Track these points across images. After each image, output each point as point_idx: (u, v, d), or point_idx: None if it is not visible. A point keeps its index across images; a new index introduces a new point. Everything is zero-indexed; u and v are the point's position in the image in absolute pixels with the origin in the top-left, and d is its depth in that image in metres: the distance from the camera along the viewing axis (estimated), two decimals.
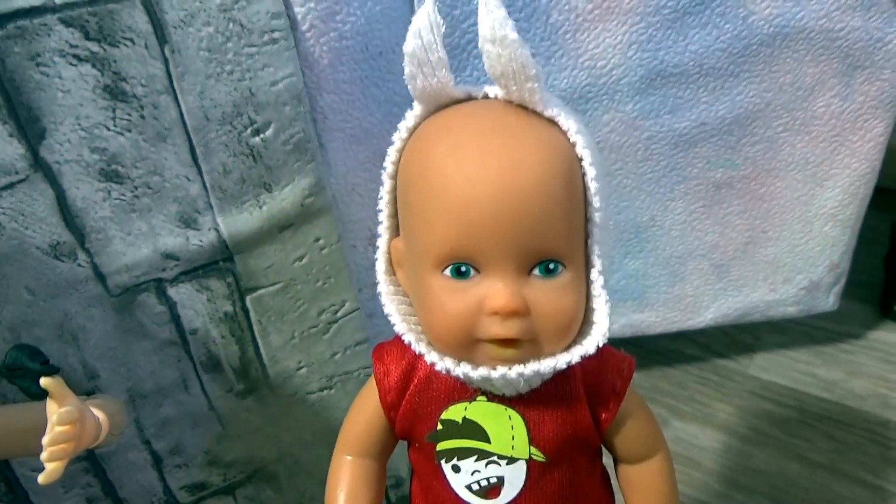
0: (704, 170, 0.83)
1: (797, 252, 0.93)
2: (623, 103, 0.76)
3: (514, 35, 0.38)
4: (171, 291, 0.62)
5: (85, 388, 0.62)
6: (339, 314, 0.71)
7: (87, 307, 0.59)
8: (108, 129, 0.55)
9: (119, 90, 0.54)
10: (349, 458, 0.51)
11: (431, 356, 0.43)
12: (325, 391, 0.74)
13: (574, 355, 0.42)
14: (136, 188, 0.57)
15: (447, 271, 0.41)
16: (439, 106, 0.44)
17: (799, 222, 0.90)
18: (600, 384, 0.47)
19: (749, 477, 0.93)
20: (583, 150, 0.41)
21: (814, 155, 0.84)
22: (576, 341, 0.43)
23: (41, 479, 0.41)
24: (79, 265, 0.58)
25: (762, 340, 1.15)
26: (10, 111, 0.51)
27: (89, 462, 0.65)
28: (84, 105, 0.53)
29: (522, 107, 0.42)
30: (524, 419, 0.45)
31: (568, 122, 0.41)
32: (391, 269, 0.47)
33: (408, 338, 0.44)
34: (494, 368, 0.41)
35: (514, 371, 0.41)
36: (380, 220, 0.47)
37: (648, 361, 1.13)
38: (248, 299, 0.66)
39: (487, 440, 0.45)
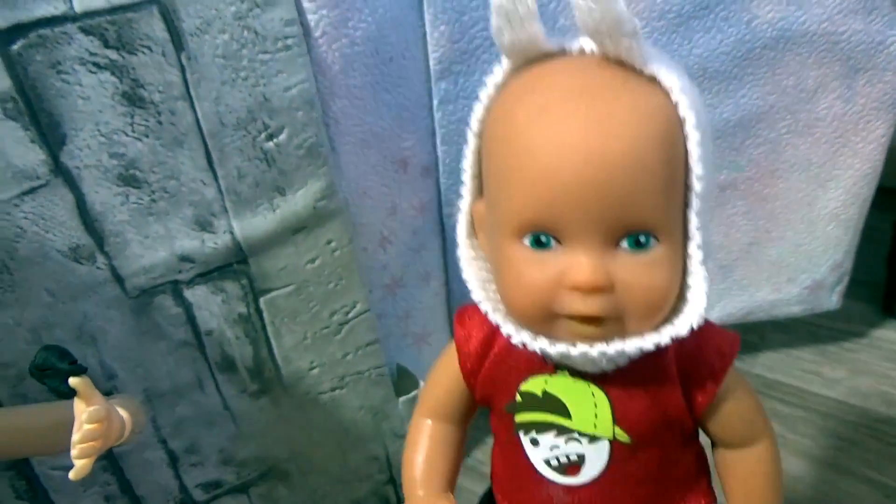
0: None
1: (801, 252, 0.94)
2: None
3: None
4: (187, 293, 0.64)
5: (103, 388, 0.63)
6: (351, 315, 0.73)
7: (106, 309, 0.61)
8: (127, 135, 0.56)
9: (137, 97, 0.55)
10: (429, 421, 0.50)
11: (508, 328, 0.40)
12: (337, 391, 0.75)
13: (664, 336, 0.39)
14: (153, 192, 0.59)
15: (526, 241, 0.38)
16: (529, 60, 0.40)
17: (802, 223, 0.91)
18: (696, 365, 0.43)
19: None
20: (686, 112, 0.37)
21: (816, 156, 0.85)
22: (668, 319, 0.40)
23: (72, 475, 0.43)
24: (97, 268, 0.59)
25: (767, 339, 1.16)
26: (31, 118, 0.52)
27: (108, 460, 0.66)
28: (103, 111, 0.54)
29: (619, 63, 0.37)
30: (609, 397, 0.42)
31: (671, 80, 0.37)
32: (472, 233, 0.45)
33: (485, 306, 0.42)
34: (574, 345, 0.39)
35: (596, 350, 0.38)
36: (463, 180, 0.44)
37: None
38: (261, 301, 0.67)
39: (568, 416, 0.43)
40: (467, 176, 0.44)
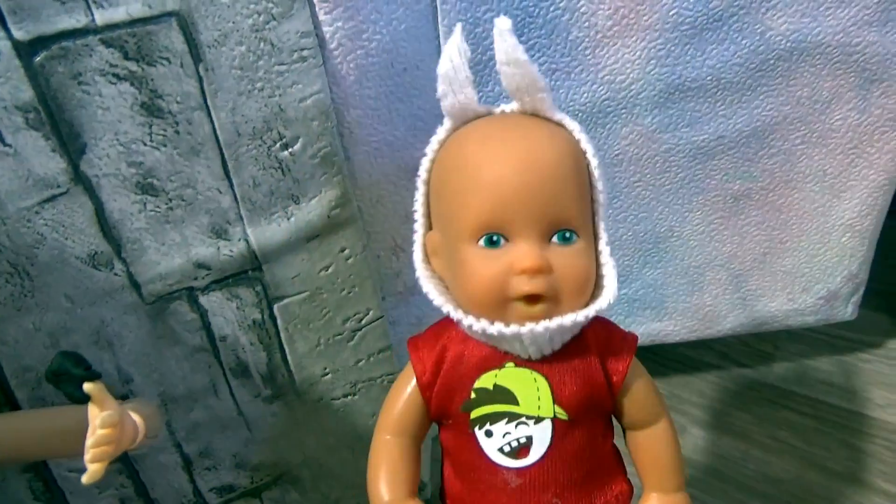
0: (723, 182, 0.84)
1: (815, 262, 0.93)
2: (642, 117, 0.77)
3: (524, 57, 0.47)
4: (203, 300, 0.65)
5: (120, 392, 0.65)
6: (364, 322, 0.73)
7: (123, 314, 0.62)
8: (145, 144, 0.57)
9: (155, 107, 0.56)
10: (388, 437, 0.55)
11: (469, 320, 0.49)
12: (350, 397, 0.76)
13: (591, 310, 0.49)
14: (170, 200, 0.60)
15: (481, 241, 0.48)
16: (465, 120, 0.53)
17: (817, 233, 0.91)
18: (609, 349, 0.52)
19: (768, 485, 0.93)
20: (586, 145, 0.51)
21: (831, 167, 0.85)
22: (590, 302, 0.50)
23: (85, 479, 0.43)
24: (115, 274, 0.60)
25: (782, 349, 1.16)
26: (53, 128, 0.54)
27: (123, 463, 0.68)
28: (122, 121, 0.55)
29: (535, 115, 0.51)
30: (548, 380, 0.50)
31: (573, 124, 0.51)
32: (427, 259, 0.54)
33: (446, 308, 0.50)
34: (524, 325, 0.48)
35: (542, 325, 0.47)
36: (415, 218, 0.54)
37: (667, 370, 1.14)
38: (275, 307, 0.68)
39: (516, 402, 0.50)
40: (419, 214, 0.54)
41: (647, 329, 0.97)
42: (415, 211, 0.55)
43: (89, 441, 0.44)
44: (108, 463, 0.44)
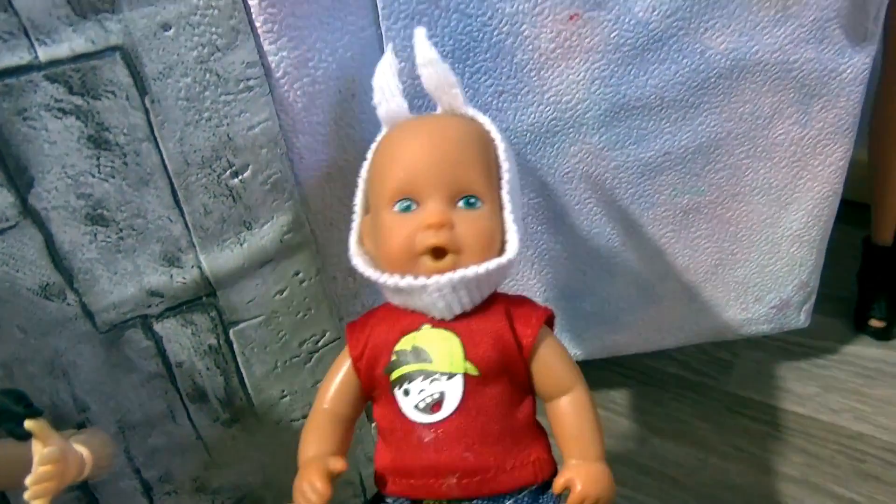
0: (672, 196, 0.86)
1: (766, 272, 0.96)
2: (589, 135, 0.79)
3: (437, 56, 0.59)
4: (157, 327, 0.65)
5: (76, 420, 0.65)
6: (320, 344, 0.74)
7: (77, 344, 0.62)
8: (93, 176, 0.58)
9: (102, 139, 0.57)
10: (325, 406, 0.59)
11: (384, 277, 0.56)
12: None
13: (492, 263, 0.55)
14: (121, 230, 0.61)
15: (396, 207, 0.56)
16: (398, 126, 0.61)
17: (766, 244, 0.93)
18: (521, 317, 0.57)
19: (726, 492, 0.95)
20: (495, 134, 0.60)
21: (777, 179, 0.87)
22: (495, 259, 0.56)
23: None
24: (68, 304, 0.61)
25: (740, 357, 1.18)
26: (0, 163, 0.54)
27: (82, 491, 0.68)
28: (69, 155, 0.56)
29: (452, 114, 0.61)
30: (460, 338, 0.55)
31: (483, 118, 0.61)
32: (360, 241, 0.61)
33: (368, 272, 0.58)
34: (430, 277, 0.54)
35: (446, 276, 0.54)
36: (354, 209, 0.62)
37: (628, 380, 1.16)
38: (231, 332, 0.69)
39: (430, 360, 0.55)
40: (358, 206, 0.62)
41: (606, 342, 0.98)
42: (355, 204, 0.62)
43: (29, 479, 0.44)
44: (51, 498, 0.45)
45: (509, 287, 0.90)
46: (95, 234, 0.60)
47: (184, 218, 0.63)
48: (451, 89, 0.60)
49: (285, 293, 0.70)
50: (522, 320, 0.57)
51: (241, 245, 0.66)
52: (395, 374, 0.55)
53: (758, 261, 0.95)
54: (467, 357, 0.54)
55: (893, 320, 1.21)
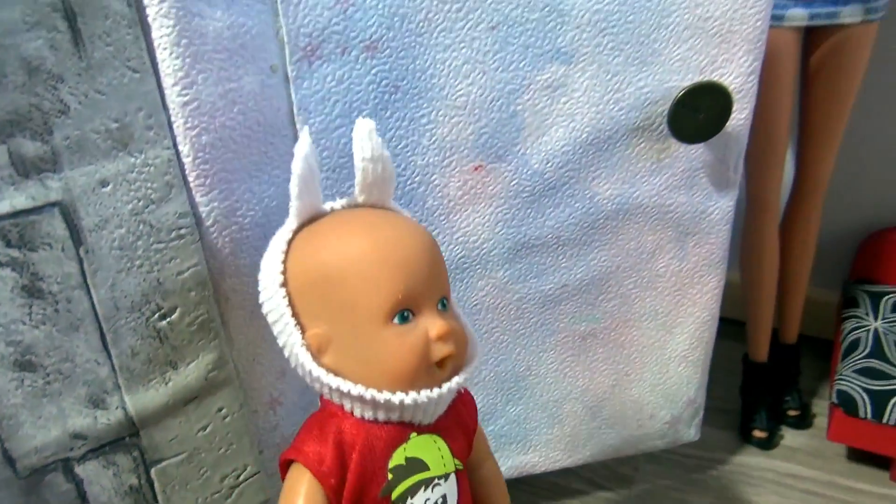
0: (570, 324, 0.94)
1: (658, 391, 1.04)
2: (495, 270, 0.87)
3: (387, 153, 0.57)
4: (79, 469, 0.66)
5: None
6: (241, 478, 0.75)
7: None
8: (24, 324, 0.59)
9: (36, 288, 0.59)
10: None
11: (396, 396, 0.53)
12: None
13: (476, 363, 0.58)
14: (48, 375, 0.62)
15: (396, 320, 0.53)
16: (311, 219, 0.58)
17: (656, 365, 1.01)
18: (467, 400, 0.63)
19: None
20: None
21: (661, 307, 0.97)
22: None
23: None
24: None
25: (640, 471, 1.24)
26: None
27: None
28: (2, 304, 0.58)
29: (381, 207, 0.60)
30: (444, 439, 0.57)
31: (406, 213, 0.62)
32: (315, 358, 0.55)
33: (359, 390, 0.52)
34: (440, 387, 0.54)
35: (454, 382, 0.55)
36: (279, 324, 0.56)
37: (537, 498, 1.19)
38: (152, 471, 0.70)
39: (427, 468, 0.55)
40: (286, 319, 0.55)
41: (514, 462, 1.03)
42: (277, 321, 0.56)
43: None
44: None
45: None
46: (22, 380, 0.61)
47: (111, 360, 0.65)
48: (391, 185, 0.59)
49: (208, 429, 0.72)
50: (470, 404, 0.63)
51: (167, 384, 0.68)
52: (396, 493, 0.54)
53: (650, 380, 1.02)
54: (454, 454, 0.58)
55: (775, 430, 1.31)
